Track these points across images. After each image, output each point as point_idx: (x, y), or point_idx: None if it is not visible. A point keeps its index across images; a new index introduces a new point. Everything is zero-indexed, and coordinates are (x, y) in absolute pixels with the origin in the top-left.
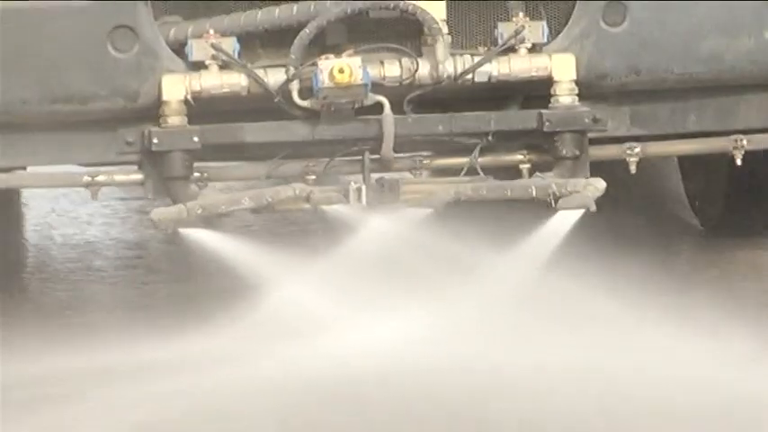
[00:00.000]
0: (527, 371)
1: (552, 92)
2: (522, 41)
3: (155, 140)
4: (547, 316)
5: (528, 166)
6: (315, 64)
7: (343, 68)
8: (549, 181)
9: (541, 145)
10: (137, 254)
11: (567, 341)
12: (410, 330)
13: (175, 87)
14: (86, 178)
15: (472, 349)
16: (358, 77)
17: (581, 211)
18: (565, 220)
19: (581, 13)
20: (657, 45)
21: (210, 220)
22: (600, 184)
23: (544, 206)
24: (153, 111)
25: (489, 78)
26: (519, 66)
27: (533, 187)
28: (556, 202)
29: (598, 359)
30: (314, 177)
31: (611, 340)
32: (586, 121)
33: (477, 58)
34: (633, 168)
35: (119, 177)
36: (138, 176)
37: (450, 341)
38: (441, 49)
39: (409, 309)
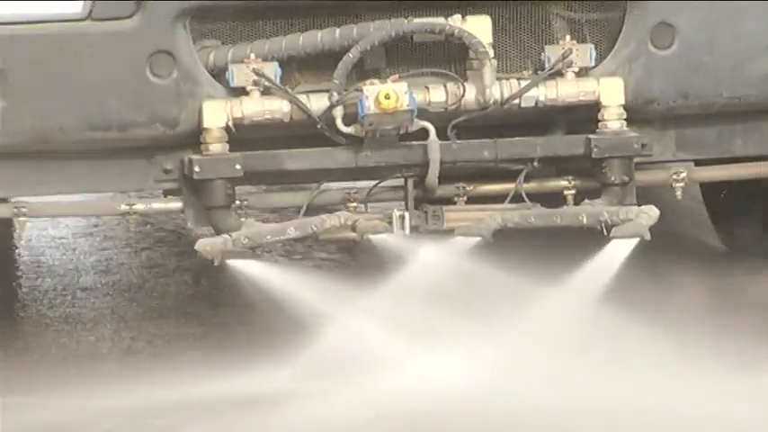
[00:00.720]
0: (571, 412)
1: (600, 117)
2: (570, 65)
3: (196, 168)
4: (595, 352)
5: (573, 192)
6: (359, 89)
7: (390, 94)
8: (601, 208)
9: (584, 170)
10: (93, 222)
11: (614, 381)
12: (463, 368)
13: (216, 114)
14: (124, 207)
15: (522, 388)
16: (404, 103)
17: (635, 241)
18: (618, 250)
19: (628, 35)
20: (707, 68)
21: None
22: (653, 212)
23: (583, 233)
24: (192, 138)
25: (536, 103)
26: (566, 90)
27: (584, 215)
28: (607, 230)
29: (642, 400)
30: (356, 205)
31: (661, 381)
32: (635, 146)
33: (523, 83)
34: (679, 194)
35: (157, 206)
36: (177, 205)
37: (502, 379)
38: (488, 73)
39: (460, 346)
